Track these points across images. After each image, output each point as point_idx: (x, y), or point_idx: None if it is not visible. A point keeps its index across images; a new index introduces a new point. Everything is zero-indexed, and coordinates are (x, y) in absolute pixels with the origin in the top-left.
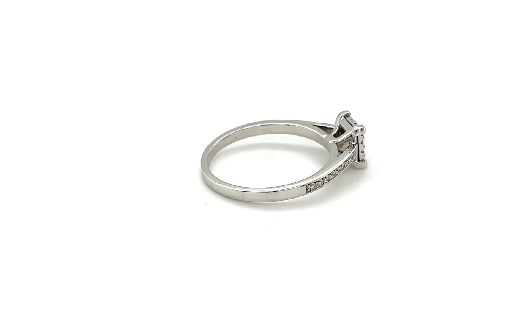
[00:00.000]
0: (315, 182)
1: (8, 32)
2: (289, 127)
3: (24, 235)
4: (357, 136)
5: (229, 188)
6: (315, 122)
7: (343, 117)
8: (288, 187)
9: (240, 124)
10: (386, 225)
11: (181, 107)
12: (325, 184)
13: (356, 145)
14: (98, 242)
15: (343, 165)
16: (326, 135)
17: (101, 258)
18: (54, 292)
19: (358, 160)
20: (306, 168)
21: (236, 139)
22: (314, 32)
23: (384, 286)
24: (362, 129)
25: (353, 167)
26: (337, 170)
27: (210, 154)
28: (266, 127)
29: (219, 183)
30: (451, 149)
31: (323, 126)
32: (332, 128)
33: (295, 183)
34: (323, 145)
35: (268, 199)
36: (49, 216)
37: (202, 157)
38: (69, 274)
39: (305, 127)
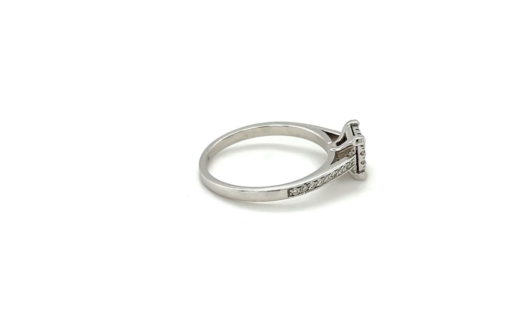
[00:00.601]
0: (298, 187)
1: (8, 32)
2: (300, 130)
3: (22, 232)
4: (356, 147)
5: (214, 184)
6: (325, 128)
7: (349, 126)
8: (268, 189)
9: (247, 124)
10: (361, 240)
11: (189, 107)
12: (310, 190)
13: (355, 156)
14: (95, 241)
15: (333, 173)
16: (331, 142)
17: (97, 258)
18: (49, 285)
19: (357, 171)
20: (305, 171)
21: (247, 137)
22: (340, 41)
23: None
24: (361, 140)
25: (352, 178)
26: (325, 178)
27: (211, 153)
28: (266, 128)
29: (207, 179)
30: (459, 178)
31: (331, 133)
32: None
33: (277, 185)
34: (326, 152)
35: (249, 199)
36: (47, 212)
37: (201, 157)
38: (64, 269)
39: (312, 131)
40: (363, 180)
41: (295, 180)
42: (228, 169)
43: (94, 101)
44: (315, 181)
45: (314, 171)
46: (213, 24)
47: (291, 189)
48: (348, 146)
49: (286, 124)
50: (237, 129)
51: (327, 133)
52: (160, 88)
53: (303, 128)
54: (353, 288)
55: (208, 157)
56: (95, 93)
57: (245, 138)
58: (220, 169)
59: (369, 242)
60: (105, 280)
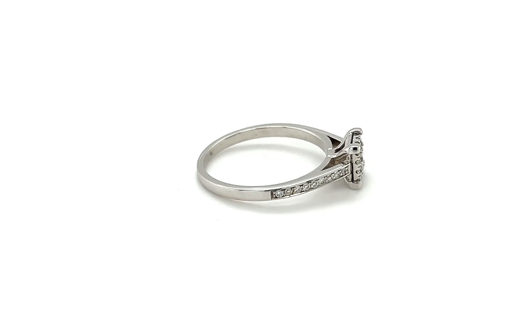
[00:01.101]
0: (281, 190)
1: (8, 32)
2: (304, 134)
3: (20, 236)
4: (351, 156)
5: (206, 180)
6: (331, 134)
7: (351, 133)
8: (253, 189)
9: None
10: (339, 248)
11: (193, 107)
12: (295, 193)
13: (349, 164)
14: (93, 241)
15: (322, 179)
16: (331, 147)
17: (95, 258)
18: (49, 288)
19: (352, 180)
20: (301, 174)
21: (256, 136)
22: (351, 48)
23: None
24: (355, 149)
25: (348, 186)
26: (312, 183)
27: (214, 150)
28: (271, 129)
29: (201, 175)
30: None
31: (335, 139)
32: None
33: (261, 186)
34: None
35: (234, 197)
36: (46, 213)
37: (200, 156)
38: (64, 270)
39: (316, 136)
40: (358, 189)
41: (281, 182)
42: (229, 167)
43: (106, 101)
44: (300, 185)
45: (302, 175)
46: (225, 28)
47: (275, 190)
48: (343, 154)
49: (290, 126)
50: (239, 130)
51: (332, 139)
52: (163, 90)
53: (308, 131)
54: (326, 294)
55: (211, 152)
56: (106, 93)
57: (254, 138)
58: (222, 166)
59: (347, 250)
60: (95, 274)
